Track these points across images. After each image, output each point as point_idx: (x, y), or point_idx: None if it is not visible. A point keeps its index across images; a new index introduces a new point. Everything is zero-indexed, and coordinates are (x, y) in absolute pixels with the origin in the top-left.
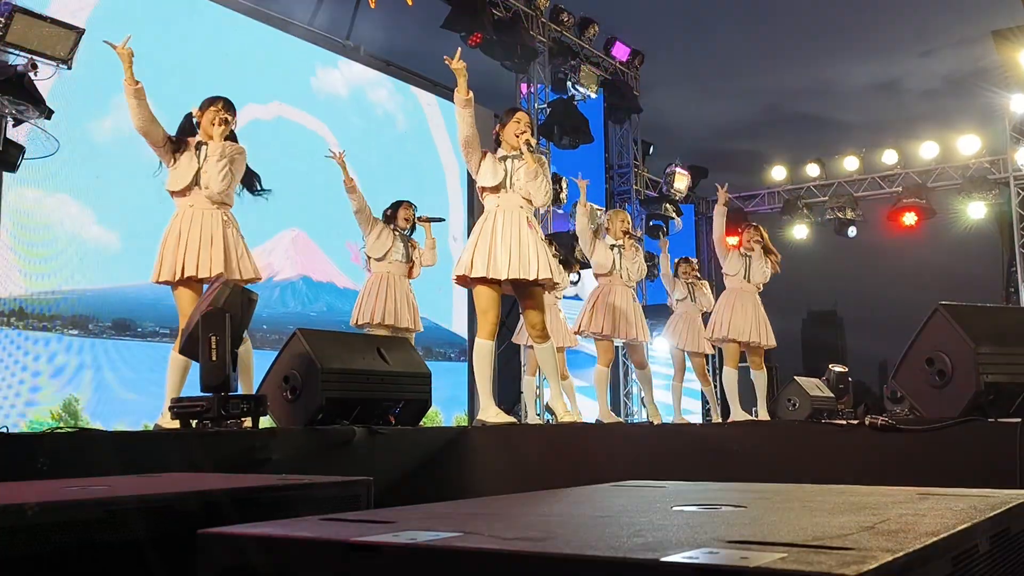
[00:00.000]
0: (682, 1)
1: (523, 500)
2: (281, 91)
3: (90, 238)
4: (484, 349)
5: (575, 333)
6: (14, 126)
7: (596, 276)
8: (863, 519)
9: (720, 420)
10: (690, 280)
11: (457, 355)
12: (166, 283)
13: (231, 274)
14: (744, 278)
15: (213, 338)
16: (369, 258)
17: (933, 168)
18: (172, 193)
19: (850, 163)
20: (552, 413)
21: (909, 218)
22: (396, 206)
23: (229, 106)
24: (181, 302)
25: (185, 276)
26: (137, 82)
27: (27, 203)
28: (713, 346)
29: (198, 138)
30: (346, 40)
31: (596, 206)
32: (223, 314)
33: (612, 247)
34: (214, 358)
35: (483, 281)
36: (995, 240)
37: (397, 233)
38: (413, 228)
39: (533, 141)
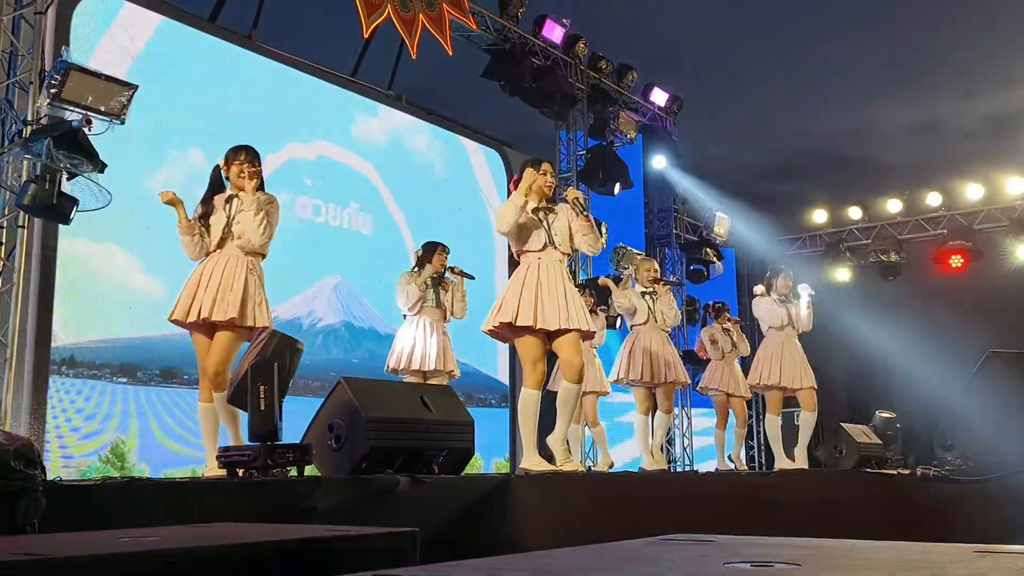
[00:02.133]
0: (720, 45)
1: (571, 556)
2: (323, 135)
3: (137, 287)
4: (532, 399)
5: (613, 382)
6: (68, 179)
7: (630, 325)
8: None
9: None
10: (725, 325)
11: (498, 401)
12: (177, 323)
13: (243, 321)
14: (783, 325)
15: (262, 388)
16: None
17: (979, 210)
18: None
19: (893, 205)
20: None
21: (956, 260)
22: (431, 251)
23: (254, 156)
24: (196, 346)
25: (201, 318)
26: (189, 221)
27: (77, 253)
28: (752, 391)
29: (228, 192)
30: (387, 90)
31: (634, 249)
32: (272, 364)
33: (644, 294)
34: (263, 407)
35: (528, 331)
36: None
37: (428, 279)
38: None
39: (582, 197)
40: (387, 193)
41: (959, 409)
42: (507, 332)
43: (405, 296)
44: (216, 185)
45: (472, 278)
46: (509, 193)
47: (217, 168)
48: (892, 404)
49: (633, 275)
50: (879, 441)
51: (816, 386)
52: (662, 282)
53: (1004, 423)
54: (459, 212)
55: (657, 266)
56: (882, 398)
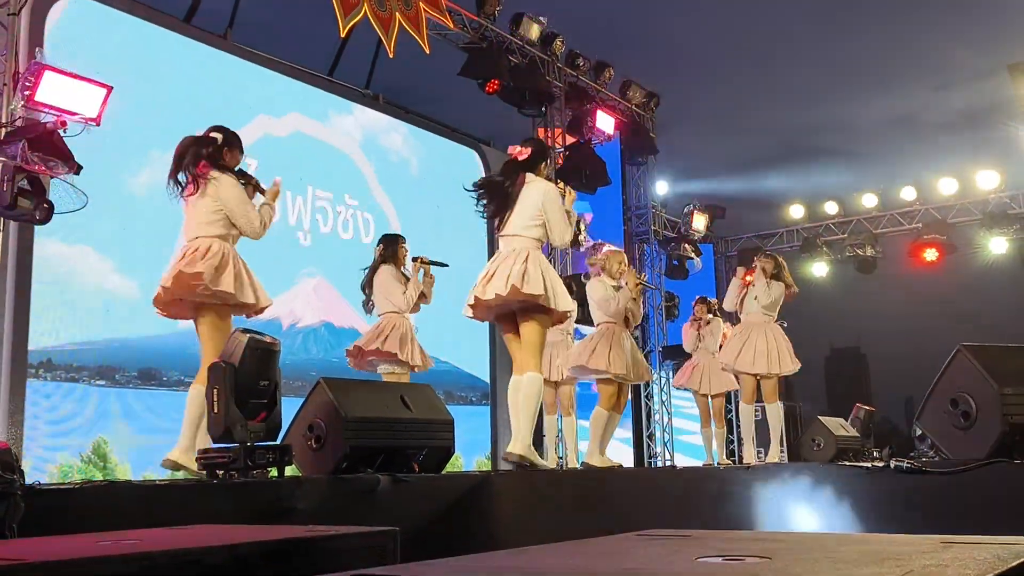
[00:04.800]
0: (696, 42)
1: (549, 552)
2: (300, 137)
3: (111, 288)
4: (540, 381)
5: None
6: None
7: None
8: (887, 570)
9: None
10: (702, 319)
11: (479, 399)
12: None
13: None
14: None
15: (215, 390)
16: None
17: (952, 203)
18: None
19: (868, 200)
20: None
21: (930, 254)
22: (394, 243)
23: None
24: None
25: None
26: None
27: (48, 254)
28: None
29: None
30: (365, 89)
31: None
32: (230, 367)
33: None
34: (216, 410)
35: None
36: (1018, 275)
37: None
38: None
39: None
40: (366, 192)
41: (931, 401)
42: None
43: (406, 300)
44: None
45: (446, 265)
46: None
47: (212, 140)
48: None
49: (601, 267)
50: (857, 434)
51: (793, 371)
52: (640, 285)
53: (973, 415)
54: (438, 210)
55: (626, 259)
56: (860, 391)
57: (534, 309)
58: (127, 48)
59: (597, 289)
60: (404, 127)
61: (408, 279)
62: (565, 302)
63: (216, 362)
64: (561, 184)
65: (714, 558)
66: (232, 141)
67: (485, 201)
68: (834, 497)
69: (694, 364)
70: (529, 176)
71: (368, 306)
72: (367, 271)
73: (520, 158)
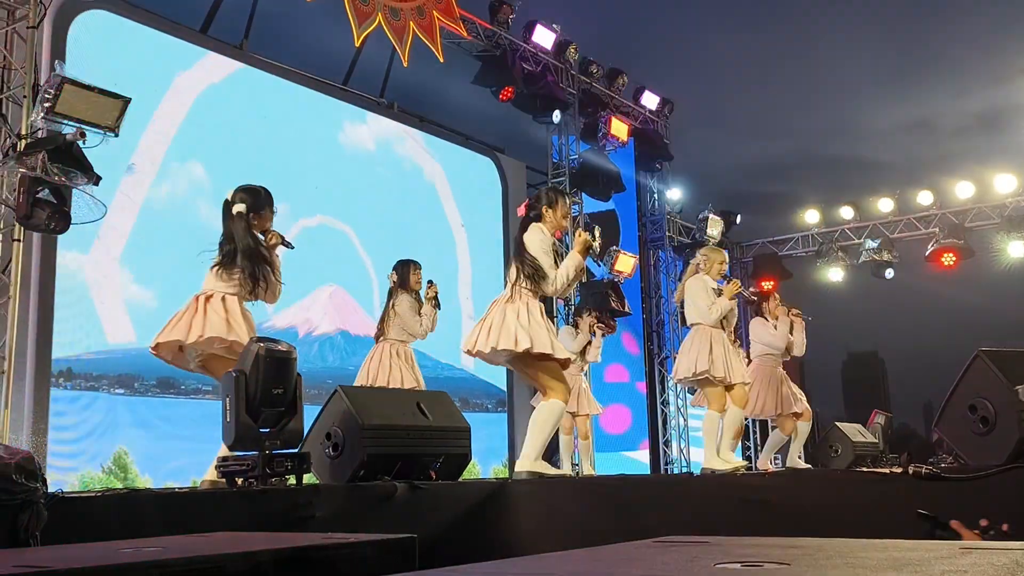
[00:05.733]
0: (710, 48)
1: (566, 560)
2: (316, 144)
3: (129, 297)
4: (562, 411)
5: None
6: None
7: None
8: None
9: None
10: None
11: (495, 406)
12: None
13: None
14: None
15: (227, 399)
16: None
17: (970, 208)
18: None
19: (885, 204)
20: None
21: (947, 259)
22: (406, 268)
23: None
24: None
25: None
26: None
27: (69, 264)
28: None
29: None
30: (380, 97)
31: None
32: (242, 376)
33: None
34: (227, 419)
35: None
36: None
37: (416, 297)
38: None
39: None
40: (380, 201)
41: (949, 407)
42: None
43: (423, 330)
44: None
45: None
46: (505, 201)
47: (228, 204)
48: (888, 402)
49: (701, 266)
50: (875, 440)
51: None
52: (736, 295)
53: (992, 421)
54: (453, 218)
55: (727, 260)
56: (878, 396)
57: (531, 357)
58: (145, 59)
59: (697, 290)
60: (419, 135)
61: (422, 304)
62: (552, 347)
63: (228, 372)
64: (580, 230)
65: (733, 564)
66: (257, 206)
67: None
68: (852, 503)
69: None
70: (530, 226)
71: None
72: (386, 300)
73: (520, 215)
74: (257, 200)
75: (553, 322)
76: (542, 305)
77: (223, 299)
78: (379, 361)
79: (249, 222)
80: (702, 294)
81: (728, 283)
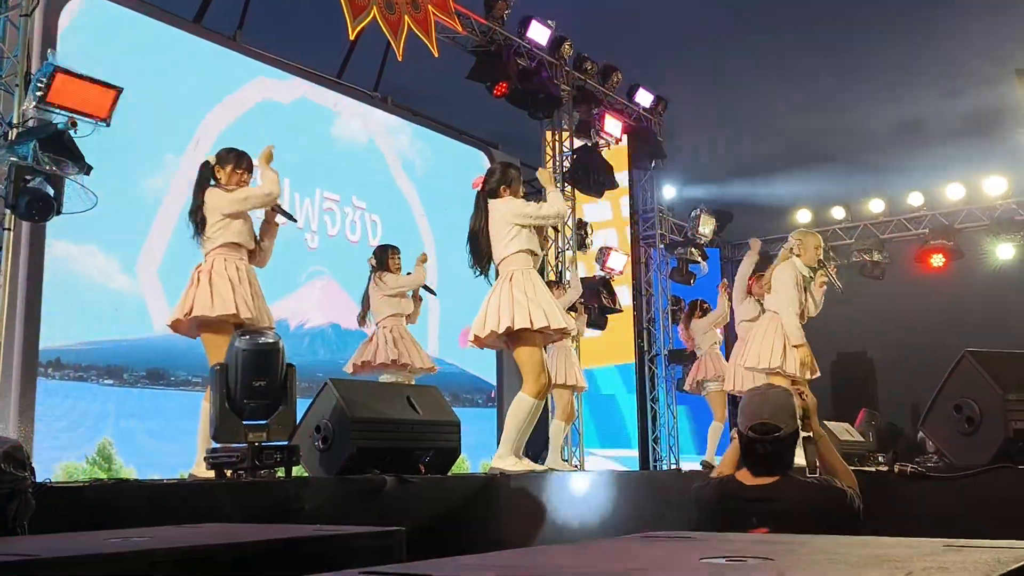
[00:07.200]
0: (705, 46)
1: (553, 553)
2: (309, 138)
3: (120, 288)
4: (534, 408)
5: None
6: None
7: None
8: (888, 572)
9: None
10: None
11: (485, 401)
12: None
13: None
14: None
15: (211, 391)
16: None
17: (960, 209)
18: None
19: (876, 205)
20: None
21: (937, 260)
22: (384, 253)
23: (250, 166)
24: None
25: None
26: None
27: (59, 254)
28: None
29: None
30: (374, 91)
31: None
32: (223, 369)
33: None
34: (211, 412)
35: (536, 335)
36: None
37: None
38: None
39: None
40: (374, 195)
41: (935, 407)
42: (506, 339)
43: (410, 278)
44: (204, 182)
45: (432, 293)
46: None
47: (207, 164)
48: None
49: (795, 251)
50: (862, 439)
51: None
52: (825, 284)
53: (977, 421)
54: (446, 213)
55: (823, 245)
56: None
57: (516, 335)
58: (137, 48)
59: (786, 281)
60: (412, 129)
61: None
62: (552, 319)
63: (212, 366)
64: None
65: (717, 559)
66: (223, 159)
67: (474, 259)
68: None
69: (702, 360)
70: (491, 203)
71: (363, 319)
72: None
73: (476, 188)
74: (229, 155)
75: None
76: (535, 276)
77: (211, 270)
78: (386, 342)
79: (213, 174)
80: (791, 287)
81: (816, 273)
